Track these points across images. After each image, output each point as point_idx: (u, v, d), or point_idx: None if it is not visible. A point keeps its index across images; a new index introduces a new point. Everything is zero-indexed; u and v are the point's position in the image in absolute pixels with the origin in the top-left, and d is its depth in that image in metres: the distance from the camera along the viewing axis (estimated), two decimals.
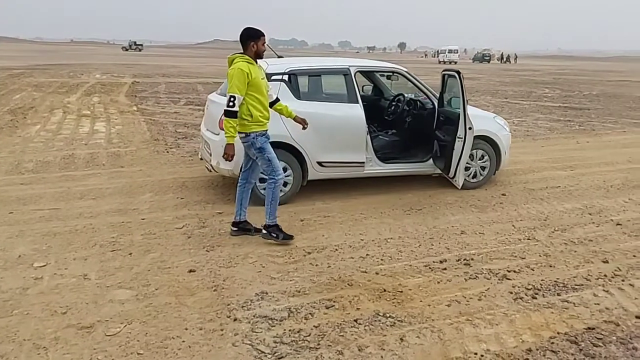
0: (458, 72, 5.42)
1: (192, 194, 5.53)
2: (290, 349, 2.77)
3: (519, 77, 29.57)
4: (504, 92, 19.09)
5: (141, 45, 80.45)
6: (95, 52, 64.86)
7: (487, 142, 5.89)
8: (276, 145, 4.72)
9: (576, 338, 2.94)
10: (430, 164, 5.83)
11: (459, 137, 5.36)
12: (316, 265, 3.84)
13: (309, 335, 2.90)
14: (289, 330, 2.94)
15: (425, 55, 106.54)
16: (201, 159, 5.84)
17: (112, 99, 13.90)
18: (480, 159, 5.91)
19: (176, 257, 3.92)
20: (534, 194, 5.84)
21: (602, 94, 19.15)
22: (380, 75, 6.92)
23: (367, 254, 4.05)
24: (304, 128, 4.55)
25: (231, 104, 3.87)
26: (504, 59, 65.27)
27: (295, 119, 4.48)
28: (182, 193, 5.55)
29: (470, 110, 5.46)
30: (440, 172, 5.81)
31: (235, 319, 3.05)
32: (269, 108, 4.18)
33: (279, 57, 5.95)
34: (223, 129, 4.19)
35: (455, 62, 55.98)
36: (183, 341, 2.82)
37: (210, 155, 5.19)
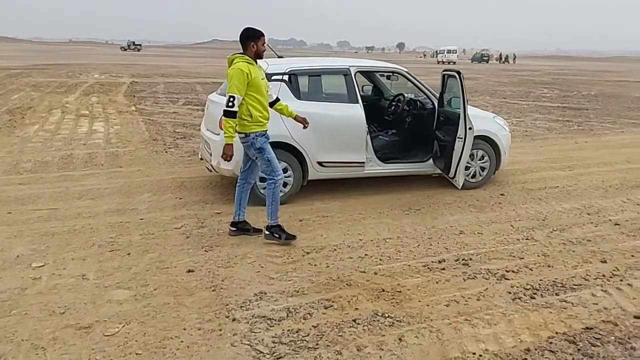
0: (458, 72, 5.42)
1: (191, 194, 5.53)
2: (289, 349, 2.77)
3: (518, 77, 29.61)
4: (502, 92, 19.11)
5: (140, 45, 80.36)
6: (93, 52, 64.78)
7: (486, 142, 5.90)
8: (276, 145, 4.72)
9: (574, 338, 2.94)
10: (430, 164, 5.83)
11: (459, 137, 5.36)
12: (315, 265, 3.84)
13: (307, 335, 2.90)
14: (288, 331, 2.94)
15: (424, 55, 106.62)
16: (201, 159, 5.84)
17: (110, 99, 13.88)
18: (480, 159, 5.92)
19: (175, 257, 3.92)
20: (533, 194, 5.85)
21: (601, 94, 19.18)
22: (380, 75, 6.93)
23: (365, 254, 4.05)
24: (304, 127, 4.55)
25: (230, 104, 3.87)
26: (503, 59, 65.33)
27: (296, 119, 4.47)
28: (180, 193, 5.54)
29: (470, 110, 5.46)
30: (440, 172, 5.82)
31: (233, 319, 3.05)
32: (268, 108, 4.18)
33: (279, 57, 5.95)
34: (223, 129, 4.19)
35: (454, 62, 56.04)
36: (181, 341, 2.82)
37: (211, 155, 5.18)
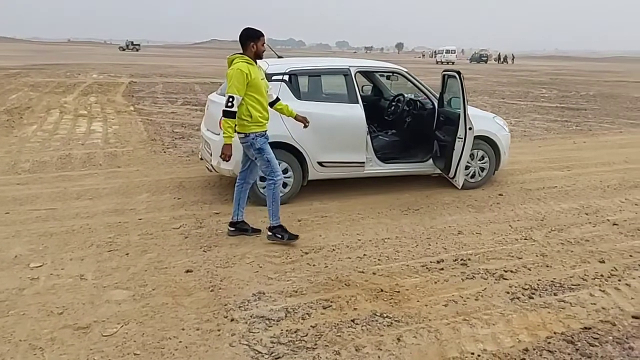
0: (458, 73, 5.43)
1: (189, 194, 5.52)
2: (288, 349, 2.77)
3: (516, 78, 29.65)
4: (501, 93, 19.13)
5: (138, 45, 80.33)
6: (92, 52, 64.72)
7: (486, 143, 5.90)
8: (277, 145, 4.73)
9: (573, 338, 2.94)
10: (430, 164, 5.84)
11: (459, 137, 5.37)
12: (313, 265, 3.84)
13: (306, 336, 2.90)
14: (286, 331, 2.94)
15: (423, 55, 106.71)
16: (201, 159, 5.84)
17: (109, 98, 13.87)
18: (480, 160, 5.93)
19: (173, 257, 3.92)
20: (531, 194, 5.85)
21: (599, 95, 19.22)
22: (380, 75, 6.93)
23: (364, 254, 4.05)
24: (305, 126, 4.54)
25: (230, 104, 3.87)
26: (501, 60, 65.40)
27: (297, 118, 4.47)
28: (179, 193, 5.54)
29: (469, 110, 5.47)
30: (440, 172, 5.83)
31: (232, 319, 3.05)
32: (268, 108, 4.18)
33: (279, 57, 5.96)
34: None
35: (453, 63, 56.08)
36: (180, 341, 2.82)
37: (211, 155, 5.18)
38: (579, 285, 3.61)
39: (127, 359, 2.66)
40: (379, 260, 3.96)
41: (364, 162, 5.46)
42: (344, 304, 3.27)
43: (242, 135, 4.07)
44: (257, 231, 4.40)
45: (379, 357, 2.73)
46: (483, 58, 66.43)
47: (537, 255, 4.11)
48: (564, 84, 24.51)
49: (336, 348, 2.79)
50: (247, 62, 3.97)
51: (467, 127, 5.31)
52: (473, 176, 5.94)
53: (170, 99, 14.11)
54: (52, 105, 12.15)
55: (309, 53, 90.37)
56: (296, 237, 4.24)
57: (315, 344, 2.82)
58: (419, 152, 5.96)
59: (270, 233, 4.24)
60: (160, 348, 2.75)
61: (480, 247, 4.27)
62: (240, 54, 4.06)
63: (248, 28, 4.10)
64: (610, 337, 2.97)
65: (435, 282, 3.60)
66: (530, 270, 3.83)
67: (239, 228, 4.38)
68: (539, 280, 3.66)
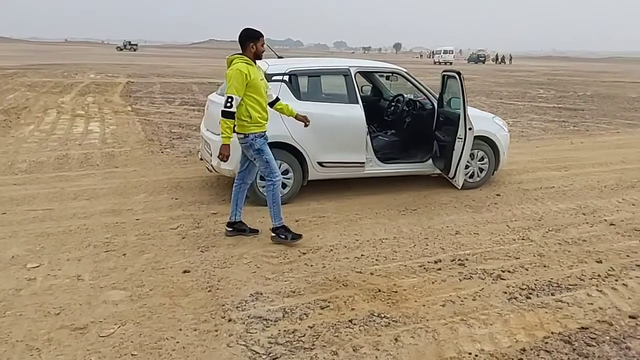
0: (458, 73, 5.44)
1: (187, 194, 5.52)
2: (285, 350, 2.77)
3: (514, 78, 29.70)
4: (498, 93, 19.17)
5: (136, 45, 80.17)
6: (89, 52, 64.60)
7: (486, 143, 5.91)
8: (277, 145, 4.72)
9: (570, 338, 2.95)
10: (430, 164, 5.85)
11: (459, 138, 5.38)
12: (311, 265, 3.84)
13: (303, 336, 2.89)
14: (284, 331, 2.94)
15: (421, 55, 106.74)
16: (201, 159, 5.83)
17: (106, 99, 13.85)
18: (480, 160, 5.94)
19: (170, 257, 3.91)
20: (529, 194, 5.86)
21: (596, 95, 19.26)
22: (380, 75, 6.94)
23: (362, 255, 4.05)
24: (305, 125, 4.54)
25: (228, 104, 3.87)
26: (499, 60, 65.48)
27: (297, 117, 4.47)
28: (176, 193, 5.53)
29: (469, 110, 5.47)
30: (439, 172, 5.83)
31: (229, 320, 3.04)
32: (268, 109, 4.18)
33: (279, 57, 5.96)
34: None
35: (451, 63, 56.11)
36: (177, 342, 2.81)
37: (211, 155, 5.17)
38: (576, 285, 3.62)
39: (124, 359, 2.65)
40: (376, 260, 3.96)
41: (364, 163, 5.47)
42: (341, 304, 3.27)
43: (242, 136, 4.07)
44: (255, 231, 4.39)
45: (376, 357, 2.73)
46: (481, 58, 66.48)
47: (534, 256, 4.12)
48: (562, 85, 24.56)
49: (334, 348, 2.79)
50: (246, 63, 3.97)
51: (467, 127, 5.32)
52: (472, 176, 5.95)
53: (167, 99, 14.09)
54: (49, 105, 12.12)
55: (307, 53, 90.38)
56: (300, 236, 4.24)
57: (313, 345, 2.82)
58: (418, 153, 5.97)
59: (273, 234, 4.24)
60: (157, 349, 2.74)
61: (478, 247, 4.27)
62: (240, 54, 4.06)
63: (247, 28, 4.09)
64: (608, 337, 2.97)
65: (433, 282, 3.60)
66: (527, 270, 3.84)
67: (237, 228, 4.38)
68: (536, 280, 3.67)
